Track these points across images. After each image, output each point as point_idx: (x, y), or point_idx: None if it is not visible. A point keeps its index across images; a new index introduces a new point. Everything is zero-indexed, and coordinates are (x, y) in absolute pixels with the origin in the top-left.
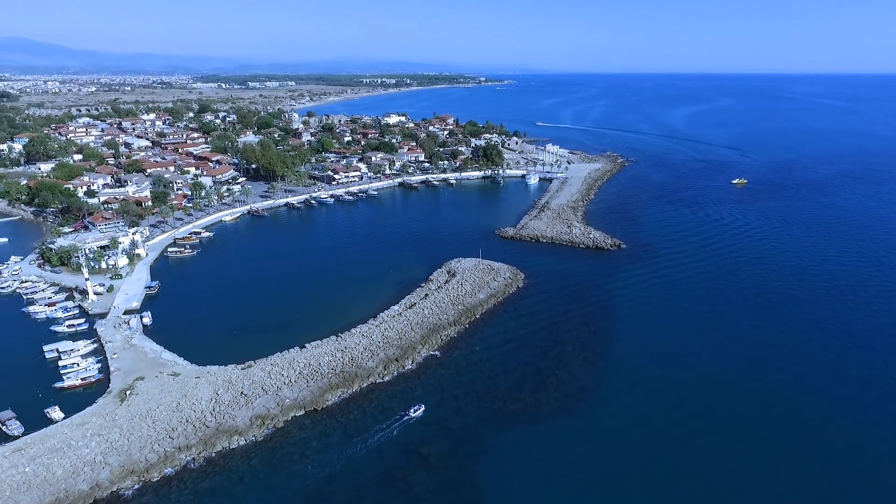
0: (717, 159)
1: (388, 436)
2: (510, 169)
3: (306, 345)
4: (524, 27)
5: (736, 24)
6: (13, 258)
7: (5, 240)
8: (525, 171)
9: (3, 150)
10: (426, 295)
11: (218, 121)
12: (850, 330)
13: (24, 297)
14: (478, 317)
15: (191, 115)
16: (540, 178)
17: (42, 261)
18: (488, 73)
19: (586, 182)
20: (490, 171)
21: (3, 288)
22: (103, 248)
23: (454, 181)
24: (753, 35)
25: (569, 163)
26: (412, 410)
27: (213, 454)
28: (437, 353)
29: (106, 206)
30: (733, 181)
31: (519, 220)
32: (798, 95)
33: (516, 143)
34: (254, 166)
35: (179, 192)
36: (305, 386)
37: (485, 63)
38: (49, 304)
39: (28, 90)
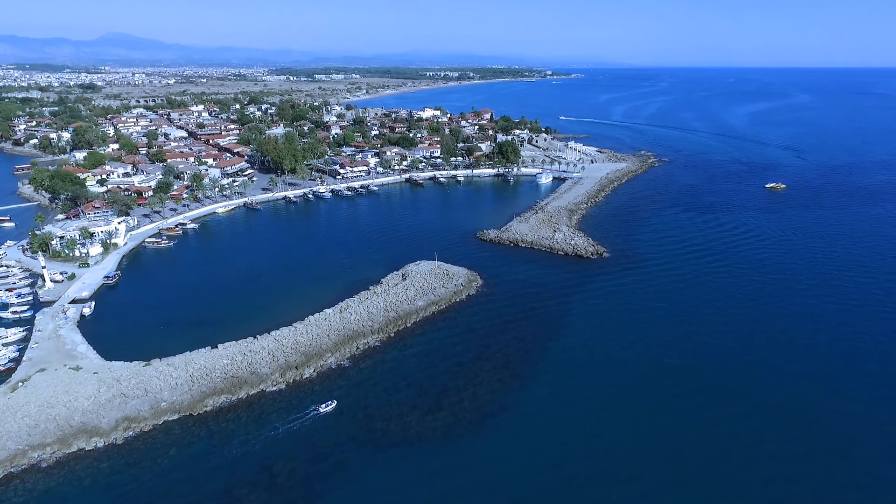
0: (761, 161)
1: (248, 449)
2: (526, 167)
3: (219, 345)
4: (602, 19)
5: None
6: (8, 242)
7: (11, 224)
8: (540, 170)
9: (53, 139)
10: (366, 299)
11: (260, 113)
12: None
13: None
14: (409, 325)
15: (237, 106)
16: (554, 178)
17: (28, 246)
18: (558, 67)
19: (599, 183)
20: (503, 168)
21: None
22: (90, 235)
23: (462, 178)
24: (868, 27)
25: (592, 161)
26: (322, 406)
27: (66, 454)
28: (346, 362)
29: (109, 195)
30: (768, 185)
31: (508, 222)
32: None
33: (545, 140)
34: (268, 159)
35: (185, 182)
36: (188, 389)
37: (557, 56)
38: (8, 290)
39: (116, 82)
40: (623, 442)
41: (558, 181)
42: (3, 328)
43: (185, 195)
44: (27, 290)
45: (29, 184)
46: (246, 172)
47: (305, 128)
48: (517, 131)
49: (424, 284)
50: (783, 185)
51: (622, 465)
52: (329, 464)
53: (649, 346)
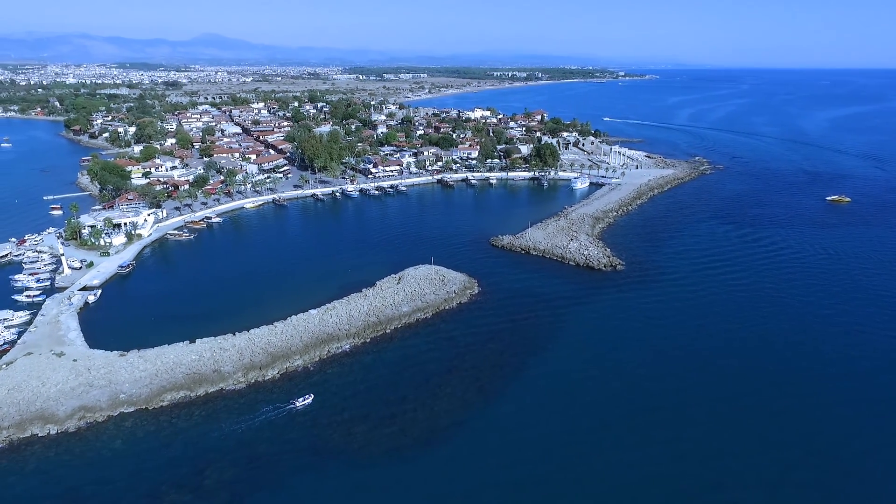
0: (829, 170)
1: (188, 449)
2: (563, 171)
3: (196, 340)
4: (682, 16)
5: None
6: (49, 229)
7: (60, 212)
8: (577, 174)
9: (121, 133)
10: (352, 301)
11: (314, 111)
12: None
13: (23, 265)
14: (388, 331)
15: (296, 104)
16: (591, 183)
17: (62, 234)
18: (633, 68)
19: (637, 191)
20: (538, 172)
21: (17, 255)
22: (116, 226)
23: (495, 181)
24: None
25: (637, 167)
26: (299, 400)
27: (20, 439)
28: (312, 366)
29: (143, 187)
30: (829, 198)
31: (527, 228)
32: None
33: (591, 144)
34: (306, 156)
35: (220, 177)
36: (148, 383)
37: (633, 56)
38: (31, 274)
39: (199, 80)
40: (571, 467)
41: (595, 186)
42: (12, 311)
43: (217, 189)
44: (47, 275)
45: (86, 174)
46: (282, 169)
47: (353, 126)
48: (565, 134)
49: (415, 290)
50: (847, 199)
51: (563, 489)
52: (262, 470)
53: (633, 367)
